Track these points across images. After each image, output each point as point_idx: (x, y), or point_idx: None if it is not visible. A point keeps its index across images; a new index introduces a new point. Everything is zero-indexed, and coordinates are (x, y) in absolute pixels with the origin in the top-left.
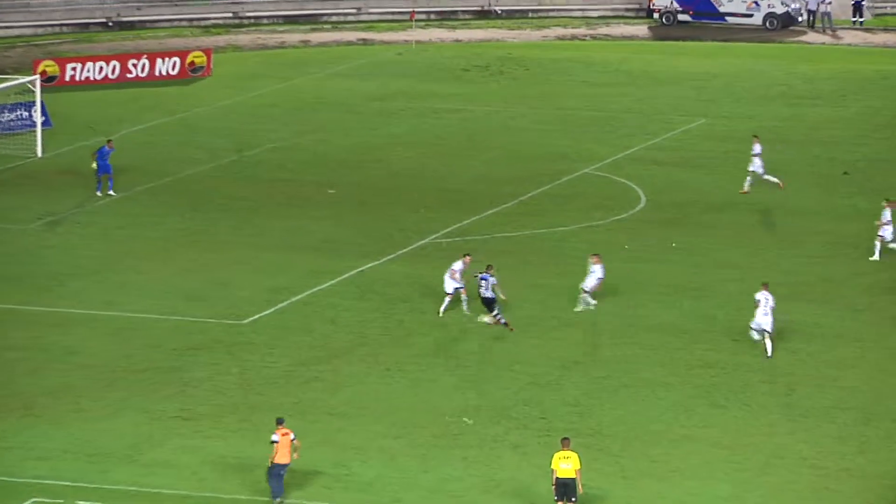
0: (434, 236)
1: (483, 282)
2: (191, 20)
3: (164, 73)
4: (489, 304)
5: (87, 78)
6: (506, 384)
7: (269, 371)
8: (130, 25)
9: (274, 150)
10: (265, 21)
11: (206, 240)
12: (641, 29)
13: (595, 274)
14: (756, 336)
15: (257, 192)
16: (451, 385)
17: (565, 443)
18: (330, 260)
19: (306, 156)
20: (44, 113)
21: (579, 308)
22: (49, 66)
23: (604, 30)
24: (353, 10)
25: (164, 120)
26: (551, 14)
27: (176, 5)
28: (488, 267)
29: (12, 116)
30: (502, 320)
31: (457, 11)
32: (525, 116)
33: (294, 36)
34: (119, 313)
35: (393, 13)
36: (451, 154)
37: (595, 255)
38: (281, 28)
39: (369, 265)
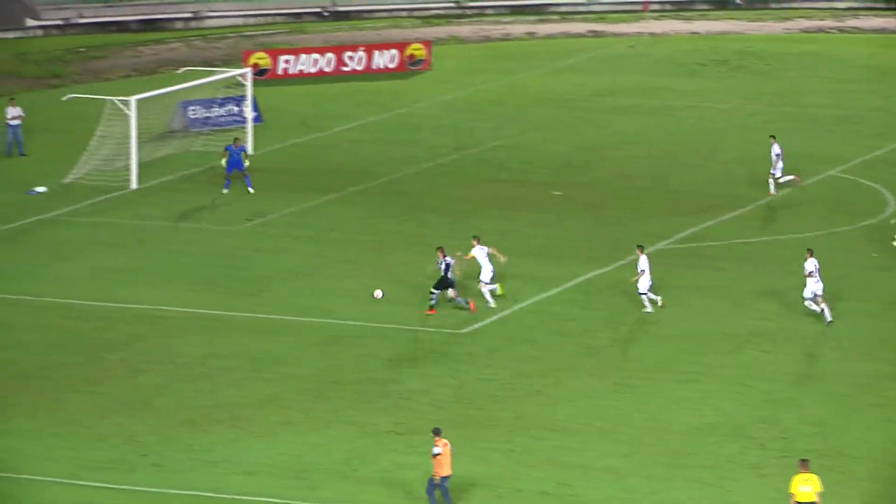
0: (666, 242)
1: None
2: (410, 10)
3: (381, 66)
4: (451, 284)
5: (301, 71)
6: (741, 400)
7: (488, 384)
8: (346, 15)
9: (496, 149)
10: (489, 11)
11: (422, 243)
12: (892, 21)
13: (641, 268)
14: (814, 306)
15: (477, 194)
16: (683, 401)
17: (804, 465)
18: (554, 266)
19: (530, 155)
20: (255, 108)
21: (648, 308)
22: (260, 59)
23: (852, 22)
24: (583, 1)
25: (380, 116)
26: (795, 4)
27: None
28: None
29: (222, 112)
30: (432, 301)
31: (694, 1)
32: (764, 114)
33: (519, 27)
34: (330, 321)
35: (625, 3)
36: (685, 154)
37: (639, 246)
38: (506, 19)
39: (596, 272)
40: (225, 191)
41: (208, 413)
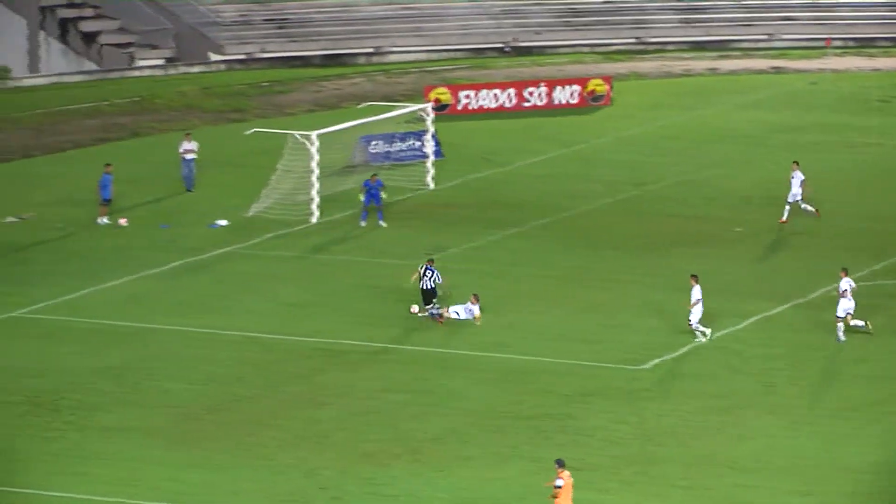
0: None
1: (429, 273)
2: (592, 46)
3: (561, 101)
4: (429, 296)
5: (482, 106)
6: None
7: (667, 420)
8: (528, 51)
9: (676, 185)
10: (670, 47)
11: (601, 279)
12: None
13: (695, 298)
14: (842, 326)
15: (657, 230)
16: (865, 438)
17: None
18: (734, 302)
19: (710, 191)
20: (435, 143)
21: (700, 339)
22: (442, 94)
23: None
24: (765, 37)
25: (560, 151)
26: None
27: (577, 30)
28: (431, 260)
29: (403, 146)
30: (434, 313)
31: (876, 38)
32: None
33: (701, 63)
34: (509, 356)
35: (807, 39)
36: (866, 191)
37: (693, 276)
38: (687, 55)
39: (777, 309)
40: (362, 223)
41: (387, 447)
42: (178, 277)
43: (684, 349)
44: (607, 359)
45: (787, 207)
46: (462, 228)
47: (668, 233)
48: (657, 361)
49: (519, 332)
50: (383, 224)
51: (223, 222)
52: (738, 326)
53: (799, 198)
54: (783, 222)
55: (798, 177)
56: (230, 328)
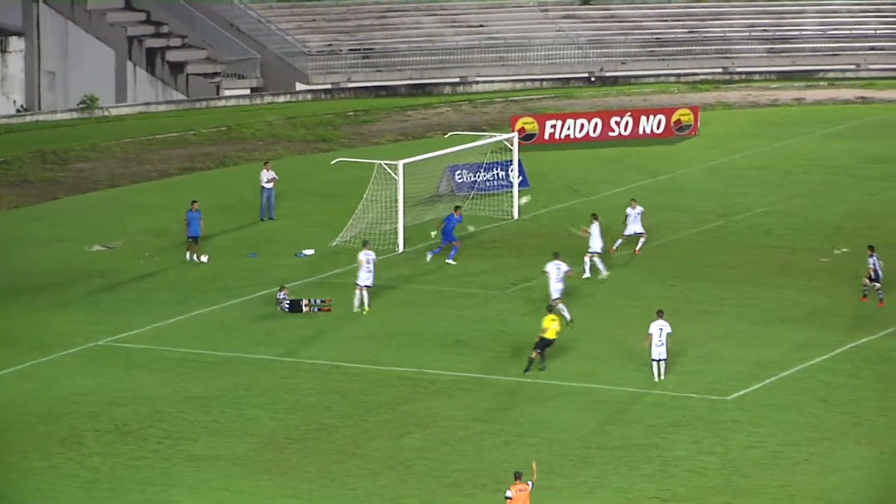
0: None
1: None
2: (678, 76)
3: (647, 131)
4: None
5: (567, 136)
6: None
7: (754, 451)
8: (614, 80)
9: (763, 215)
10: (757, 77)
11: (688, 309)
12: None
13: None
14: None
15: (744, 260)
16: None
17: None
18: (822, 333)
19: (798, 221)
20: (521, 172)
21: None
22: (527, 123)
23: None
24: (852, 67)
25: (646, 181)
26: None
27: (662, 59)
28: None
29: (488, 176)
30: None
31: None
32: None
33: (787, 93)
34: (596, 386)
35: (894, 70)
36: None
37: (659, 311)
38: (773, 85)
39: (865, 339)
40: (429, 257)
41: (472, 477)
42: (265, 306)
43: (771, 380)
44: (694, 389)
45: (620, 241)
46: (547, 258)
47: (755, 263)
48: (743, 392)
49: (605, 363)
50: (452, 262)
51: (310, 252)
52: (825, 357)
53: (633, 233)
54: (613, 251)
55: (637, 211)
56: (316, 357)
